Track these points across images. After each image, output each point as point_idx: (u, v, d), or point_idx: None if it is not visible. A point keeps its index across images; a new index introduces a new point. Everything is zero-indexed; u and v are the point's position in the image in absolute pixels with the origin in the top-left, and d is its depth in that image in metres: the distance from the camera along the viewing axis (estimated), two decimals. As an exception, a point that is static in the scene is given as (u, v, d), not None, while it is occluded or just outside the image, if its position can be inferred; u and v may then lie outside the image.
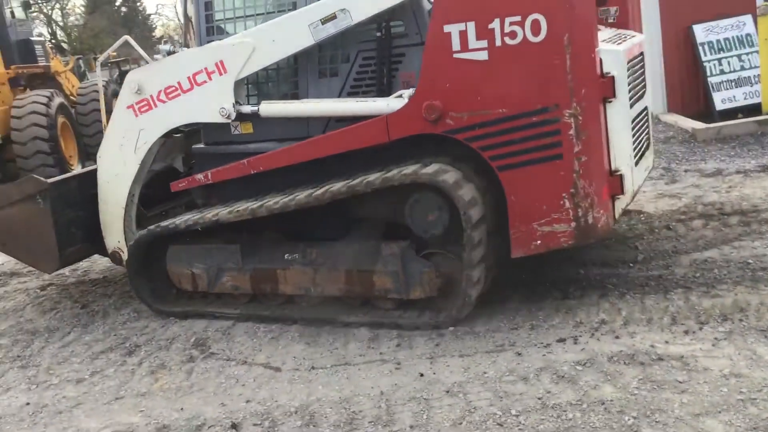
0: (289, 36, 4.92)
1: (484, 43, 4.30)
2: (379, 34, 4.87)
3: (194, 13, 5.49)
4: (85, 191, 5.73)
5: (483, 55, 4.32)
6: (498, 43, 4.28)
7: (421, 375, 4.10)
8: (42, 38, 15.13)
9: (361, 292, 4.90)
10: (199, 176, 5.41)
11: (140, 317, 5.58)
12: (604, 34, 4.86)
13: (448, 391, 3.89)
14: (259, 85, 5.40)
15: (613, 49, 4.53)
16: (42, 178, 5.61)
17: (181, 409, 4.09)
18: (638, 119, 4.93)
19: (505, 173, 4.41)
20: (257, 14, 5.33)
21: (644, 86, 5.13)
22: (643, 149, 5.08)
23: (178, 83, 5.24)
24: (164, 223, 5.38)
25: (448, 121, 4.47)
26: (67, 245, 5.67)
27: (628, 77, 4.63)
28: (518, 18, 4.22)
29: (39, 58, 13.47)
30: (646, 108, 5.20)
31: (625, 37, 5.05)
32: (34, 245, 5.67)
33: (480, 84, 4.37)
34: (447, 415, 3.67)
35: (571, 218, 4.36)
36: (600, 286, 4.92)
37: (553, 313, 4.63)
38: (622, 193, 4.51)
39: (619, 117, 4.48)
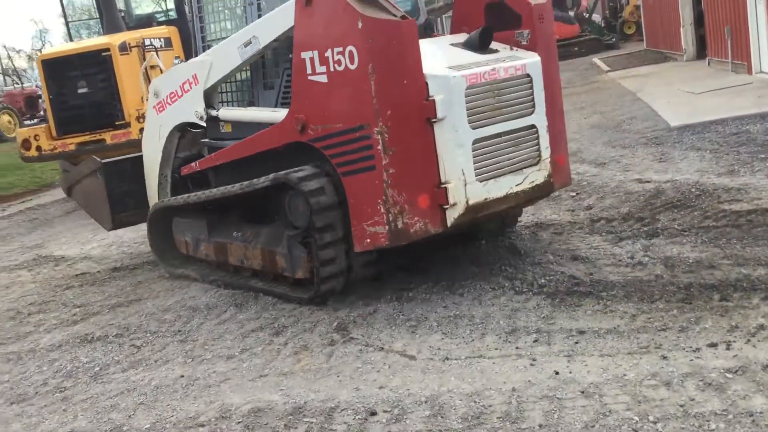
0: (228, 55, 6.03)
1: (324, 68, 5.16)
2: (291, 55, 5.57)
3: (193, 35, 6.94)
4: (137, 170, 7.22)
5: (324, 78, 5.17)
6: (332, 68, 5.11)
7: (557, 373, 3.98)
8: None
9: (270, 268, 5.89)
10: (194, 164, 6.63)
11: (289, 300, 5.81)
12: (481, 57, 5.43)
13: (583, 392, 3.75)
14: (233, 93, 6.59)
15: (442, 75, 5.08)
16: (98, 159, 7.30)
17: (318, 390, 4.23)
18: (494, 139, 5.29)
19: (345, 178, 5.22)
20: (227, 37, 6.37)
21: (518, 106, 5.43)
22: (516, 165, 5.43)
23: (176, 90, 6.58)
24: (166, 200, 6.88)
25: (309, 132, 5.34)
26: (120, 211, 7.27)
27: (472, 101, 5.12)
28: (341, 49, 5.01)
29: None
30: (524, 127, 5.46)
31: (504, 60, 5.43)
32: (98, 208, 7.49)
33: (325, 101, 5.22)
34: (579, 416, 3.54)
35: (385, 222, 5.06)
36: (763, 288, 4.54)
37: (707, 315, 4.33)
38: (447, 203, 5.07)
39: (448, 136, 5.06)
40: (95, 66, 11.40)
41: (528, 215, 7.06)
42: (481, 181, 5.25)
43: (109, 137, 11.29)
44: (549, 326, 4.57)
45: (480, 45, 5.56)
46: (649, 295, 4.74)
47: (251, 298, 6.00)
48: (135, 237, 9.17)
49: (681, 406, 3.47)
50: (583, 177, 8.14)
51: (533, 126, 5.50)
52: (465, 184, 5.16)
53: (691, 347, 4.00)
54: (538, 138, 5.53)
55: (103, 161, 7.27)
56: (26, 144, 11.61)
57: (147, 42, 11.90)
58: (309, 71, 5.22)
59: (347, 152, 5.16)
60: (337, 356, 4.67)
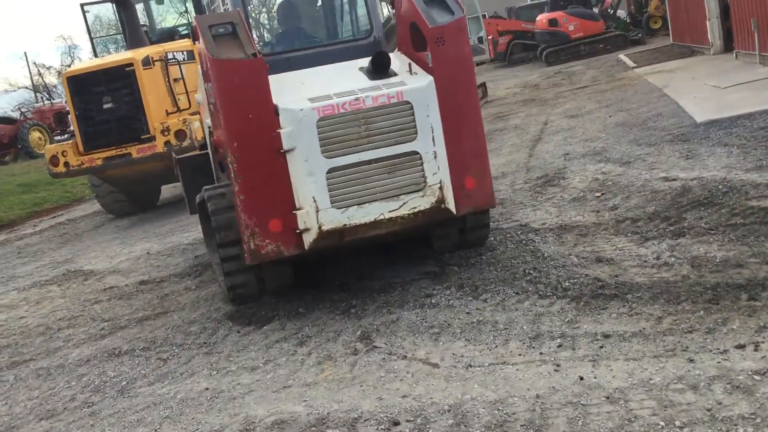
0: None
1: (205, 100, 6.13)
2: None
3: None
4: (208, 165, 7.69)
5: (206, 110, 6.22)
6: (209, 101, 5.96)
7: (581, 378, 3.92)
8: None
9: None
10: None
11: (314, 308, 5.82)
12: (366, 84, 5.66)
13: (608, 398, 3.69)
14: None
15: (291, 109, 5.38)
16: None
17: (341, 401, 4.22)
18: (358, 166, 5.45)
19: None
20: None
21: (394, 133, 5.49)
22: (390, 192, 5.52)
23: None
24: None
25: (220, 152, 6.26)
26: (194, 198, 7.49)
27: (326, 131, 5.38)
28: (209, 85, 5.71)
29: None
30: (402, 153, 5.52)
31: (381, 87, 5.57)
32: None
33: (216, 130, 6.11)
34: (604, 423, 3.49)
35: (245, 242, 5.52)
36: (793, 286, 4.44)
37: (735, 316, 4.24)
38: (299, 228, 5.43)
39: (299, 166, 5.37)
40: (119, 81, 11.55)
41: (552, 217, 6.99)
42: (338, 208, 5.47)
43: (135, 151, 11.44)
44: (573, 330, 4.52)
45: (373, 71, 5.78)
46: (675, 296, 4.66)
47: (276, 308, 6.02)
48: (162, 249, 9.27)
49: (708, 410, 3.41)
50: (608, 177, 8.04)
51: (415, 152, 5.55)
52: (317, 211, 5.43)
53: (718, 349, 3.92)
54: (422, 164, 5.56)
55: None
56: (54, 160, 11.80)
57: (170, 56, 12.04)
58: (204, 102, 6.31)
59: (229, 176, 5.73)
60: (361, 365, 4.66)
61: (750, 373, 3.62)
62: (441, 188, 5.60)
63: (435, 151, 5.56)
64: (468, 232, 6.33)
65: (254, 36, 7.32)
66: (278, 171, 5.41)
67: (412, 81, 5.65)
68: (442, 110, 5.59)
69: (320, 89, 5.63)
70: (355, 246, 5.91)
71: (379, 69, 5.78)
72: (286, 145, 5.37)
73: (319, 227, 5.45)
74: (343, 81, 5.77)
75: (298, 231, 5.47)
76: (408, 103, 5.52)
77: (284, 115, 5.37)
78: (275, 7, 8.14)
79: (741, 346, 3.89)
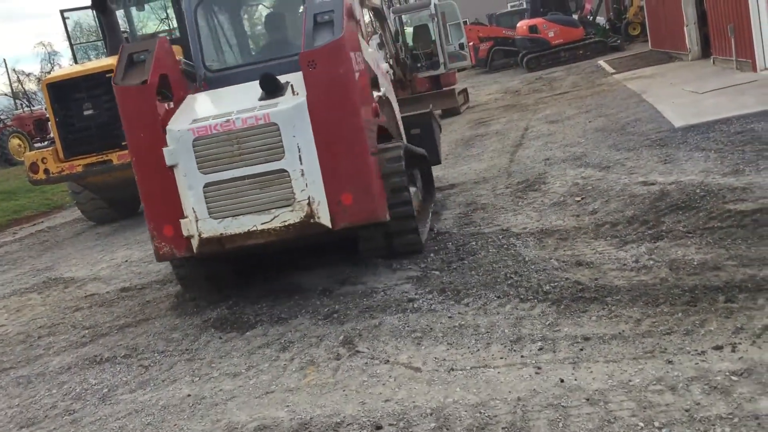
0: None
1: None
2: None
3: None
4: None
5: None
6: None
7: (562, 381, 3.96)
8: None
9: None
10: None
11: (296, 314, 5.82)
12: (249, 104, 6.13)
13: (588, 399, 3.73)
14: None
15: (173, 129, 6.08)
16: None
17: (324, 405, 4.23)
18: (231, 182, 6.02)
19: None
20: None
21: (262, 152, 5.97)
22: (261, 206, 6.04)
23: None
24: None
25: None
26: None
27: (202, 150, 6.01)
28: None
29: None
30: (271, 171, 5.98)
31: (252, 110, 6.04)
32: None
33: None
34: (584, 424, 3.52)
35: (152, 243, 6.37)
36: (768, 288, 4.50)
37: (712, 318, 4.29)
38: (182, 234, 6.14)
39: (181, 180, 6.08)
40: (100, 88, 11.51)
41: (533, 222, 7.05)
42: (215, 219, 6.09)
43: (115, 158, 11.39)
44: (554, 333, 4.56)
45: (263, 91, 6.22)
46: (653, 298, 4.71)
47: (259, 314, 6.02)
48: (143, 256, 9.24)
49: (686, 410, 3.45)
50: (588, 181, 8.12)
51: (283, 170, 5.96)
52: (197, 220, 6.12)
53: (696, 350, 3.97)
54: (290, 181, 5.96)
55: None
56: (34, 167, 11.72)
57: (151, 62, 11.97)
58: None
59: None
60: (343, 370, 4.67)
61: (727, 373, 3.67)
62: (310, 204, 5.99)
63: (303, 169, 5.94)
64: (395, 237, 6.53)
65: (214, 50, 7.48)
66: (168, 184, 6.10)
67: (284, 103, 6.05)
68: (315, 130, 5.92)
69: (214, 109, 6.30)
70: (248, 252, 6.47)
71: (267, 90, 6.20)
72: (169, 162, 6.07)
73: (200, 235, 6.14)
74: (239, 100, 6.29)
75: (186, 237, 6.17)
76: (275, 124, 5.95)
77: (168, 135, 6.09)
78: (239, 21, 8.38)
79: (718, 348, 3.95)
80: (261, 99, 6.18)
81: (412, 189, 7.12)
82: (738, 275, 4.76)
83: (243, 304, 6.37)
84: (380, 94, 7.13)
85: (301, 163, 5.93)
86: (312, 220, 5.99)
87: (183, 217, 6.12)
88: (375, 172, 6.19)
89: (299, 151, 5.93)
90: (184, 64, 7.03)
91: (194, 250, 6.18)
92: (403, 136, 8.28)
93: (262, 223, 6.03)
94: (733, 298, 4.47)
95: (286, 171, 5.95)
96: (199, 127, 6.03)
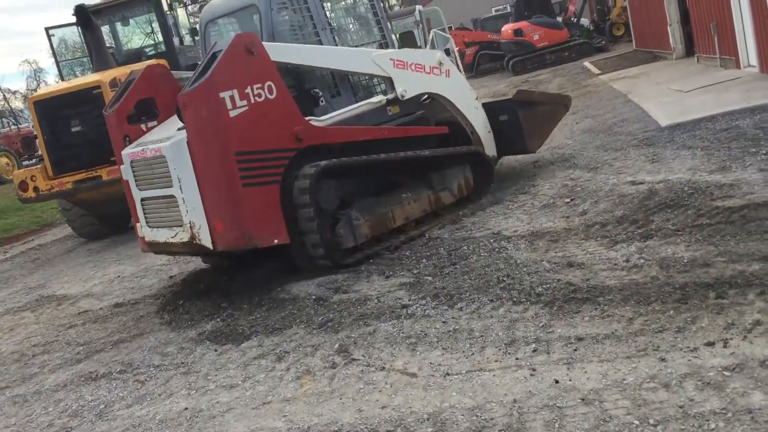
0: None
1: None
2: None
3: None
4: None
5: None
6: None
7: (557, 382, 3.99)
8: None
9: None
10: None
11: (291, 324, 5.84)
12: (166, 134, 7.04)
13: (583, 399, 3.76)
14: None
15: (124, 152, 7.30)
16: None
17: (321, 414, 4.24)
18: (151, 200, 7.14)
19: None
20: None
21: (160, 179, 6.91)
22: (168, 223, 7.01)
23: None
24: None
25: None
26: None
27: (135, 171, 7.20)
28: None
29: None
30: (166, 196, 6.90)
31: (156, 141, 6.97)
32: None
33: None
34: (580, 424, 3.55)
35: None
36: (758, 283, 4.54)
37: (703, 314, 4.33)
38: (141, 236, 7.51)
39: (131, 194, 7.35)
40: (87, 104, 11.51)
41: (524, 225, 7.09)
42: (150, 228, 7.26)
43: (105, 173, 11.38)
44: (548, 335, 4.59)
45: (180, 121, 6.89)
46: (645, 297, 4.75)
47: (254, 325, 6.03)
48: (135, 271, 9.23)
49: (680, 407, 3.48)
50: (577, 182, 8.17)
51: (173, 196, 6.81)
52: (142, 227, 7.38)
53: (688, 347, 4.01)
54: (178, 206, 6.79)
55: None
56: (23, 185, 11.69)
57: (137, 77, 11.99)
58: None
59: None
60: (339, 378, 4.68)
61: (720, 369, 3.71)
62: (192, 228, 6.71)
63: (184, 197, 6.69)
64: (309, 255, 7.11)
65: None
66: (131, 195, 7.37)
67: (173, 138, 6.78)
68: (194, 164, 6.57)
69: (154, 135, 7.28)
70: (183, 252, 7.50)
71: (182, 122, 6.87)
72: (123, 177, 7.37)
73: (143, 237, 7.39)
74: (170, 129, 7.16)
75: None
76: (163, 156, 6.75)
77: (123, 156, 7.30)
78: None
79: (710, 344, 3.98)
80: (178, 129, 6.91)
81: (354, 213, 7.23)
82: (727, 271, 4.81)
83: (237, 316, 6.38)
84: (395, 95, 7.85)
85: (182, 192, 6.68)
86: (195, 242, 6.74)
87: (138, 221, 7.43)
88: (246, 203, 6.57)
89: (180, 182, 6.66)
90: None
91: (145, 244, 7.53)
92: (476, 125, 8.72)
93: (170, 237, 6.99)
94: (724, 294, 4.51)
95: (175, 197, 6.78)
96: (133, 152, 7.13)
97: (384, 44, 8.47)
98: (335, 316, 5.77)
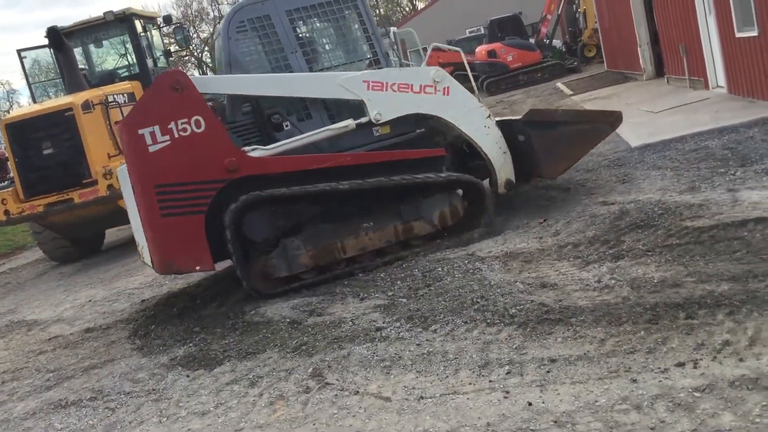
0: None
1: None
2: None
3: None
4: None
5: None
6: None
7: (530, 404, 3.99)
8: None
9: None
10: None
11: (264, 348, 5.80)
12: None
13: (556, 422, 3.76)
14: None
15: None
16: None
17: (294, 440, 4.21)
18: None
19: None
20: None
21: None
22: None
23: None
24: None
25: None
26: None
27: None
28: None
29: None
30: None
31: None
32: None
33: None
34: (553, 446, 3.55)
35: None
36: (727, 303, 4.59)
37: (674, 335, 4.37)
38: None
39: None
40: (59, 126, 11.42)
41: (498, 245, 7.12)
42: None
43: (77, 196, 11.27)
44: (521, 357, 4.60)
45: None
46: (616, 318, 4.78)
47: (227, 349, 5.97)
48: (107, 295, 9.13)
49: (652, 429, 3.50)
50: (550, 203, 8.23)
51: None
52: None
53: (659, 368, 4.03)
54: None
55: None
56: (-6, 209, 11.55)
57: (110, 98, 11.96)
58: None
59: None
60: (313, 403, 4.65)
61: (690, 390, 3.74)
62: (142, 248, 7.33)
63: (132, 220, 7.34)
64: None
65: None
66: None
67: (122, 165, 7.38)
68: (133, 190, 7.12)
69: None
70: None
71: None
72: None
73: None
74: None
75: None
76: (119, 180, 7.56)
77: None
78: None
79: (681, 364, 4.02)
80: None
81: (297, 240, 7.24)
82: (697, 291, 4.86)
83: (210, 340, 6.32)
84: (368, 118, 7.48)
85: (130, 214, 7.34)
86: (144, 262, 7.30)
87: None
88: (165, 232, 6.90)
89: (127, 205, 7.34)
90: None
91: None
92: (485, 147, 7.96)
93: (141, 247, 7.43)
94: (693, 314, 4.56)
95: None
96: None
97: (375, 61, 7.97)
98: (309, 339, 5.74)
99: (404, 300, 6.15)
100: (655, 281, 5.21)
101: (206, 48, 43.63)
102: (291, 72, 7.65)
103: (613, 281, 5.43)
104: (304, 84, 7.51)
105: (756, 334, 4.10)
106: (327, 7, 7.65)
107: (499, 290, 5.83)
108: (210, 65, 43.45)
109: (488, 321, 5.28)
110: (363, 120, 7.52)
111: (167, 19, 15.73)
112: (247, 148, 7.23)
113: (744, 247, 5.40)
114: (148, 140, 6.80)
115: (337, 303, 6.52)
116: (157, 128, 6.80)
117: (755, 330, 4.15)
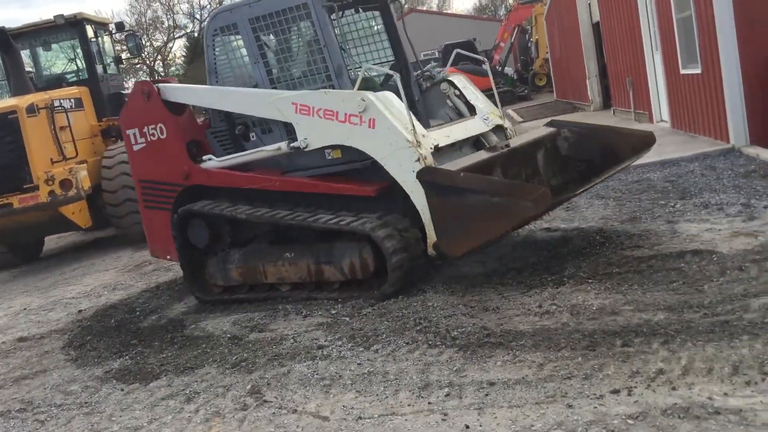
0: None
1: None
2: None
3: None
4: None
5: None
6: None
7: (467, 427, 4.00)
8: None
9: None
10: None
11: (203, 363, 5.70)
12: None
13: (492, 445, 3.78)
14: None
15: None
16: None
17: (229, 458, 4.14)
18: None
19: None
20: None
21: None
22: None
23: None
24: None
25: None
26: None
27: None
28: None
29: (130, 111, 14.15)
30: None
31: None
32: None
33: None
34: (488, 470, 3.56)
35: None
36: (662, 332, 4.69)
37: (610, 362, 4.44)
38: None
39: None
40: (2, 129, 11.12)
41: (443, 269, 7.16)
42: None
43: (16, 201, 10.99)
44: (461, 379, 4.62)
45: None
46: (555, 343, 4.84)
47: (164, 363, 5.86)
48: (43, 304, 8.89)
49: (585, 454, 3.54)
50: (495, 227, 8.32)
51: None
52: None
53: (594, 394, 4.10)
54: None
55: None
56: (-70, 212, 11.16)
57: (56, 103, 11.71)
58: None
59: None
60: (250, 421, 4.59)
61: (624, 417, 3.80)
62: None
63: None
64: None
65: None
66: None
67: None
68: None
69: None
70: None
71: None
72: None
73: None
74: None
75: None
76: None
77: None
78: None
79: (616, 391, 4.08)
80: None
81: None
82: (634, 320, 4.96)
83: (147, 353, 6.20)
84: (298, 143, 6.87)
85: None
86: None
87: None
88: (147, 221, 7.90)
89: None
90: None
91: None
92: (413, 195, 6.42)
93: None
94: (630, 342, 4.65)
95: None
96: None
97: (327, 77, 6.99)
98: (249, 355, 5.67)
99: (347, 319, 6.13)
100: (594, 308, 5.30)
101: (159, 56, 43.18)
102: (255, 84, 7.31)
103: (553, 307, 5.51)
104: (241, 100, 7.23)
105: (689, 364, 4.20)
106: (283, 15, 7.01)
107: (442, 312, 5.85)
108: (162, 74, 42.99)
109: (430, 342, 5.30)
110: (295, 144, 6.93)
111: (119, 26, 15.50)
112: (204, 157, 7.49)
113: (680, 277, 5.54)
114: (132, 140, 7.67)
115: (280, 319, 6.46)
116: (137, 131, 7.63)
117: (688, 360, 4.25)
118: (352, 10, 7.85)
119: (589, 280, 5.90)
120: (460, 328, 5.44)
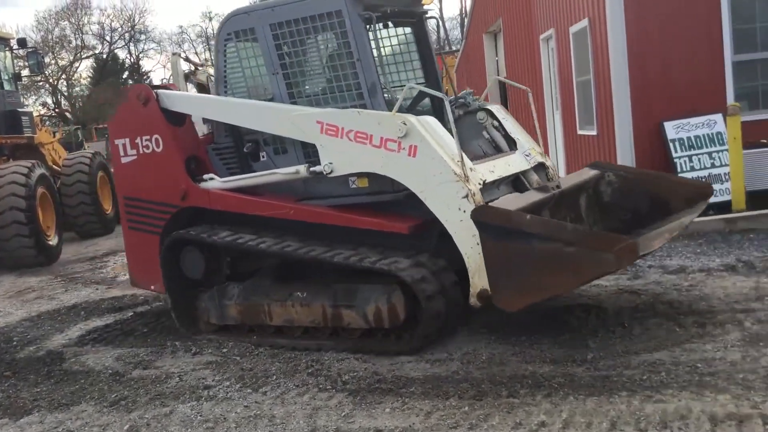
0: None
1: None
2: None
3: None
4: None
5: None
6: None
7: (350, 475, 3.95)
8: (29, 110, 15.33)
9: None
10: None
11: (80, 400, 5.43)
12: None
13: (374, 494, 3.74)
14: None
15: None
16: None
17: (98, 502, 3.93)
18: None
19: None
20: None
21: None
22: None
23: None
24: None
25: None
26: None
27: None
28: None
29: (25, 129, 13.61)
30: None
31: None
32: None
33: None
34: None
35: None
36: (547, 385, 4.80)
37: (495, 412, 4.50)
38: None
39: None
40: None
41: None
42: None
43: None
44: (348, 425, 4.57)
45: None
46: (444, 391, 4.87)
47: (37, 399, 5.54)
48: None
49: (465, 505, 3.55)
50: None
51: None
52: None
53: (479, 445, 4.13)
54: None
55: None
56: None
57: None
58: None
59: None
60: (125, 463, 4.38)
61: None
62: None
63: None
64: None
65: None
66: None
67: None
68: None
69: None
70: None
71: None
72: None
73: None
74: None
75: None
76: None
77: None
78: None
79: (499, 442, 4.13)
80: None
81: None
82: (520, 371, 5.06)
83: (21, 387, 5.86)
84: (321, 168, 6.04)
85: None
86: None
87: None
88: (130, 244, 7.14)
89: None
90: None
91: None
92: (456, 236, 5.58)
93: None
94: (515, 393, 4.73)
95: None
96: None
97: (358, 95, 6.06)
98: (130, 393, 5.44)
99: (238, 358, 5.99)
100: (484, 358, 5.38)
101: (63, 75, 41.77)
102: (271, 97, 6.44)
103: (445, 354, 5.55)
104: (256, 114, 6.36)
105: (570, 417, 4.30)
106: (311, 22, 6.13)
107: (335, 355, 5.80)
108: (65, 94, 41.56)
109: (320, 386, 5.23)
110: (317, 168, 6.08)
111: (21, 42, 14.95)
112: (206, 177, 6.64)
113: (567, 331, 5.70)
114: (121, 151, 6.88)
115: (167, 356, 6.25)
116: (127, 141, 6.84)
117: (569, 413, 4.35)
118: (380, 25, 6.64)
119: (482, 330, 5.99)
120: (352, 373, 5.41)
